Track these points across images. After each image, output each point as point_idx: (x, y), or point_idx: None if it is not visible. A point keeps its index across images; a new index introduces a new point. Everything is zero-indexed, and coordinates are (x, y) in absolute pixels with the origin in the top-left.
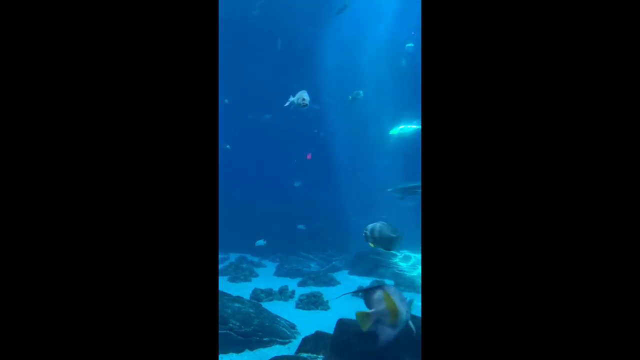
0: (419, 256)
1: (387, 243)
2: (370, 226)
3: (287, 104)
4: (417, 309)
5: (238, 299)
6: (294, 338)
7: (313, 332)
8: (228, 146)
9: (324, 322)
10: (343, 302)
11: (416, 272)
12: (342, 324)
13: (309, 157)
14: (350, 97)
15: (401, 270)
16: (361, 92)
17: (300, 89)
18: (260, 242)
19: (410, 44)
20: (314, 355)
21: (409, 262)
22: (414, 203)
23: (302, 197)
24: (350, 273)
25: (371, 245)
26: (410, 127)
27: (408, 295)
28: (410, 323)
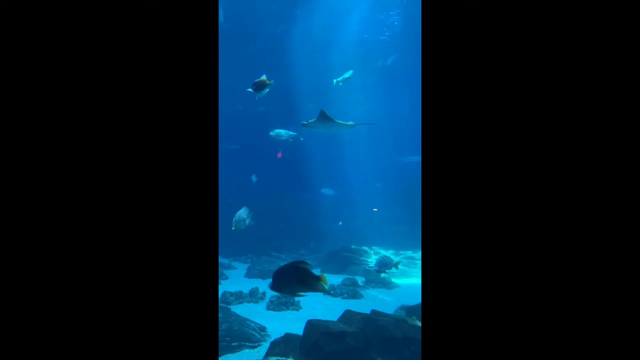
0: (390, 253)
1: (242, 224)
2: (238, 212)
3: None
4: (382, 302)
5: None
6: (264, 341)
7: (283, 334)
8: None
9: (295, 323)
10: (315, 301)
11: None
12: (310, 325)
13: (279, 155)
14: (335, 80)
15: (372, 268)
16: (350, 71)
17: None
18: None
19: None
20: (283, 358)
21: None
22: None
23: (273, 196)
24: (323, 271)
25: (233, 227)
26: (285, 131)
27: (379, 292)
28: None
